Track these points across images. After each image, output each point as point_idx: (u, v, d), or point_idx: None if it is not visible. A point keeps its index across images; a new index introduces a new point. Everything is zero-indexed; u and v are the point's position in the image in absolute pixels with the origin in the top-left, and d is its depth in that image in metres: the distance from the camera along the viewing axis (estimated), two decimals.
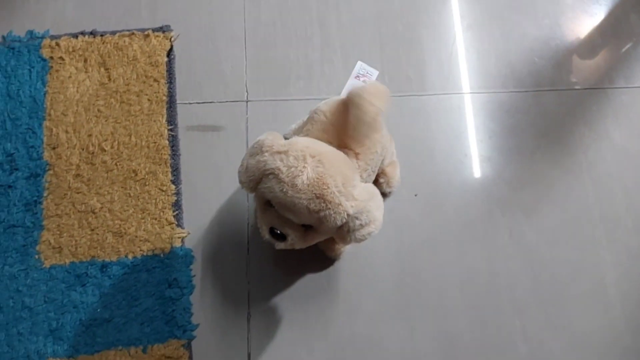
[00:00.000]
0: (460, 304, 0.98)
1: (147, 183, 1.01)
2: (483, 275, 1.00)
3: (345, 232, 0.74)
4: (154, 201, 1.01)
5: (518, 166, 1.08)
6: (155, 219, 1.00)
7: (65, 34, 1.10)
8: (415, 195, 1.05)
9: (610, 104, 1.13)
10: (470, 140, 1.10)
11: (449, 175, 1.07)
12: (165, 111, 1.06)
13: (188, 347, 0.93)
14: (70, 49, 1.08)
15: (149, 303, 0.95)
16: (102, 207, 1.00)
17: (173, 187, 1.02)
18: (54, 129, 1.03)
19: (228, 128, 1.08)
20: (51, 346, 0.92)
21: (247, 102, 1.11)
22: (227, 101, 1.10)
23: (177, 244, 0.99)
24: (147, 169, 1.02)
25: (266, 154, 0.74)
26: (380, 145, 0.87)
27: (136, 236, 0.98)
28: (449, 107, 1.12)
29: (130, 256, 0.98)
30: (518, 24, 1.19)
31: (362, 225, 0.74)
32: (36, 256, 0.96)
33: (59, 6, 1.14)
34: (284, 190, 0.70)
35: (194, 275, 0.98)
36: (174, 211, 1.01)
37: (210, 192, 1.04)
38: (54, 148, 1.02)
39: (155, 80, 1.08)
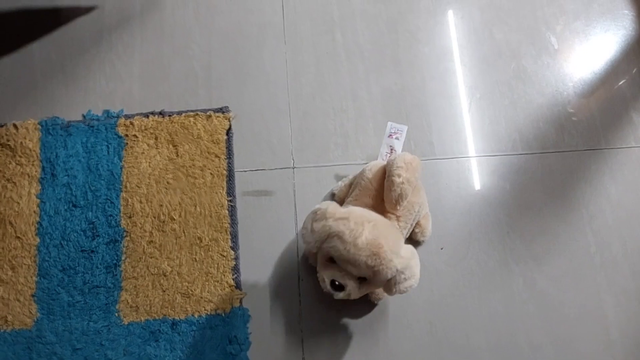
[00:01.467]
0: (483, 345, 1.14)
1: (210, 249, 1.16)
2: (502, 318, 1.15)
3: (392, 284, 0.92)
4: (216, 265, 1.15)
5: (528, 220, 1.23)
6: (217, 281, 1.15)
7: (137, 114, 1.26)
8: (442, 248, 1.20)
9: (606, 163, 1.29)
10: (486, 199, 1.25)
11: (470, 229, 1.22)
12: (225, 184, 1.21)
13: None
14: (143, 128, 1.24)
15: (212, 357, 1.09)
16: (172, 270, 1.15)
17: (232, 252, 1.17)
18: (130, 200, 1.19)
19: (278, 192, 1.23)
20: None
21: (293, 168, 1.26)
22: (275, 168, 1.26)
23: (236, 304, 1.13)
24: (210, 236, 1.17)
25: (330, 220, 0.92)
26: (418, 205, 1.06)
27: (201, 297, 1.13)
28: (467, 168, 1.28)
29: (196, 315, 1.12)
30: (524, 93, 1.34)
31: (405, 279, 0.92)
32: (116, 314, 1.11)
33: (127, 87, 1.29)
34: (347, 248, 0.89)
35: (251, 333, 1.12)
36: (233, 274, 1.15)
37: (264, 252, 1.18)
38: (129, 217, 1.17)
39: (216, 156, 1.23)
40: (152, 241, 1.16)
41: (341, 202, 1.13)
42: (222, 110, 1.27)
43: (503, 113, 1.32)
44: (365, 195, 1.04)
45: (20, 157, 1.20)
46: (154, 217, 1.18)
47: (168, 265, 1.15)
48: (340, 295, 0.95)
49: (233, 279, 1.15)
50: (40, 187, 1.19)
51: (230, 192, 1.21)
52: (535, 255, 1.20)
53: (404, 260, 0.92)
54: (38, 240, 1.15)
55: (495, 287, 1.17)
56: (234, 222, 1.19)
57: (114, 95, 1.29)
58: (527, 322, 1.15)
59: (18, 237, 1.15)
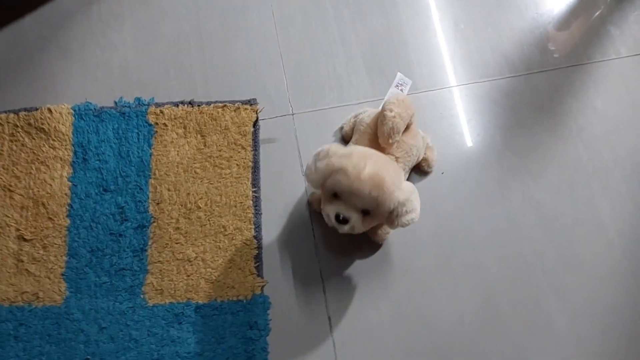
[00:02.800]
0: (490, 256, 1.21)
1: (234, 237, 1.20)
2: (505, 231, 1.23)
3: (394, 216, 0.97)
4: (239, 253, 1.19)
5: (521, 139, 1.31)
6: (240, 269, 1.18)
7: (167, 102, 1.29)
8: (442, 173, 1.27)
9: (590, 77, 1.37)
10: (481, 122, 1.32)
11: (469, 153, 1.30)
12: (250, 175, 1.25)
13: None
14: (172, 117, 1.28)
15: (233, 342, 1.13)
16: (196, 257, 1.18)
17: (255, 241, 1.20)
18: (158, 187, 1.22)
19: (281, 139, 1.30)
20: None
21: (292, 115, 1.31)
22: (276, 116, 1.31)
23: (258, 291, 1.17)
24: (234, 225, 1.21)
25: (333, 157, 0.97)
26: (416, 148, 1.12)
27: (224, 283, 1.17)
28: (460, 96, 1.35)
29: (219, 300, 1.16)
30: (506, 19, 1.43)
31: (407, 212, 0.97)
32: (142, 296, 1.15)
33: (122, 54, 1.34)
34: (351, 181, 0.93)
35: (271, 319, 1.16)
36: (255, 263, 1.19)
37: (275, 197, 1.25)
38: (158, 203, 1.21)
39: (243, 147, 1.26)
40: (178, 228, 1.20)
41: (348, 137, 1.23)
42: (250, 102, 1.30)
43: (488, 41, 1.40)
44: (365, 139, 1.10)
45: (53, 140, 1.24)
46: (181, 205, 1.22)
47: (193, 251, 1.19)
48: (345, 228, 0.99)
49: (255, 267, 1.18)
50: (72, 171, 1.23)
51: (255, 183, 1.24)
52: (531, 169, 1.28)
53: (405, 192, 0.97)
54: (69, 221, 1.19)
55: (496, 203, 1.25)
56: (257, 212, 1.22)
57: (110, 63, 1.34)
58: (529, 232, 1.23)
59: (50, 218, 1.19)
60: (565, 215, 1.24)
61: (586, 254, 1.21)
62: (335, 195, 0.98)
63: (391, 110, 1.03)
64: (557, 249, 1.21)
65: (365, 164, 0.94)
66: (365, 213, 0.98)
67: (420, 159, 1.21)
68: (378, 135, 1.06)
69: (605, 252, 1.21)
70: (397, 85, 1.29)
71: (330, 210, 0.99)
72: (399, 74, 1.26)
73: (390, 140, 1.04)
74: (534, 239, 1.22)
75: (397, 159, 1.08)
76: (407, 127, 1.10)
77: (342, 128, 1.27)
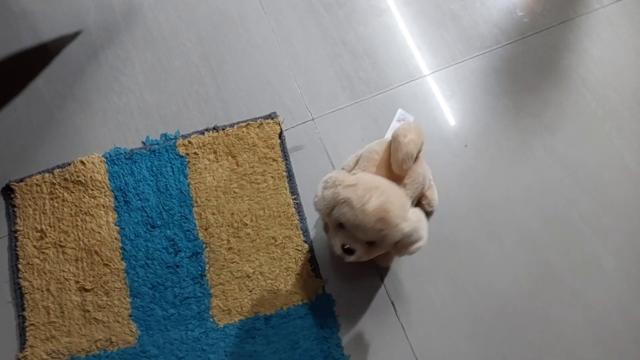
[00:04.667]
0: (528, 214, 1.27)
1: (285, 246, 1.24)
2: (537, 187, 1.29)
3: (400, 246, 0.98)
4: (293, 260, 1.23)
5: (531, 99, 1.38)
6: (298, 274, 1.23)
7: (193, 132, 1.33)
8: (465, 146, 1.33)
9: (581, 30, 1.45)
10: (490, 91, 1.38)
11: (485, 122, 1.36)
12: (287, 184, 1.29)
13: None
14: (201, 144, 1.32)
15: (307, 344, 1.17)
16: (254, 272, 1.22)
17: (306, 245, 1.25)
18: (202, 213, 1.26)
19: (308, 144, 1.34)
20: None
21: (313, 120, 1.36)
22: (297, 125, 1.36)
23: (320, 291, 1.21)
24: (283, 235, 1.25)
25: (339, 187, 0.96)
26: (422, 176, 1.11)
27: (286, 290, 1.21)
28: (466, 71, 1.41)
29: (285, 308, 1.20)
30: None
31: (413, 242, 0.97)
32: (211, 319, 1.19)
33: (138, 95, 1.38)
34: (356, 214, 0.93)
35: (338, 315, 1.20)
36: (311, 265, 1.23)
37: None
38: (206, 229, 1.25)
39: (274, 160, 1.31)
40: (230, 248, 1.24)
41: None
42: (271, 116, 1.35)
43: (479, 14, 1.47)
44: (372, 165, 1.09)
45: (92, 190, 1.27)
46: (228, 226, 1.25)
47: (249, 267, 1.22)
48: (351, 258, 0.99)
49: (312, 269, 1.23)
50: (116, 215, 1.26)
51: (293, 190, 1.29)
52: (547, 125, 1.35)
53: (411, 223, 0.96)
54: (124, 264, 1.22)
55: (521, 163, 1.31)
56: (302, 217, 1.27)
57: (129, 107, 1.37)
58: (558, 184, 1.30)
59: (106, 264, 1.22)
60: (588, 161, 1.31)
61: (616, 193, 1.28)
62: (341, 225, 0.97)
63: (405, 136, 1.02)
64: (589, 193, 1.28)
65: (371, 196, 0.93)
66: (370, 244, 0.98)
67: (425, 189, 1.20)
68: (392, 162, 1.04)
69: (633, 187, 1.28)
70: (399, 120, 1.29)
71: (336, 241, 0.99)
72: (400, 109, 1.27)
73: (405, 166, 1.02)
74: (565, 189, 1.28)
75: (404, 185, 1.06)
76: (416, 157, 1.09)
77: (343, 169, 1.24)
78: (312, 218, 1.28)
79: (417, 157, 1.10)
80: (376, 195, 0.93)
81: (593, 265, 1.22)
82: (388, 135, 1.27)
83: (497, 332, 1.17)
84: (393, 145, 1.04)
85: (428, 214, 1.26)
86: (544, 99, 1.37)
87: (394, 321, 1.19)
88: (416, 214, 0.99)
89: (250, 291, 1.21)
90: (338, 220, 0.96)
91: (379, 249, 0.99)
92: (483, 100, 1.37)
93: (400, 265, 1.23)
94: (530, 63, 1.40)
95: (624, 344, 1.16)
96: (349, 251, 0.98)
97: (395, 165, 1.04)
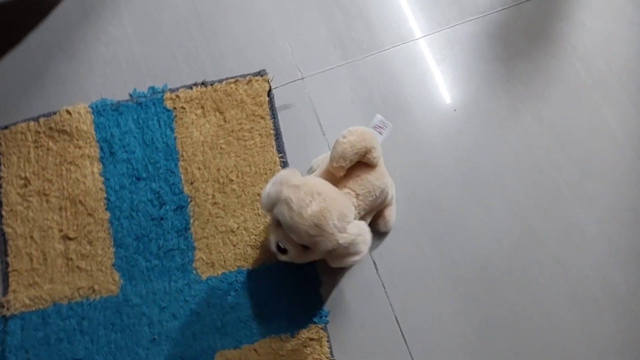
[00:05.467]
0: (514, 179, 1.28)
1: None
2: (524, 153, 1.30)
3: (334, 256, 0.97)
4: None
5: (522, 65, 1.37)
6: None
7: (181, 86, 1.32)
8: (455, 110, 1.33)
9: None
10: (482, 56, 1.38)
11: (475, 86, 1.35)
12: (274, 143, 1.29)
13: (326, 329, 1.17)
14: (188, 99, 1.30)
15: (288, 299, 1.18)
16: (238, 227, 1.22)
17: None
18: (188, 168, 1.26)
19: (296, 104, 1.33)
20: (219, 341, 1.14)
21: (302, 79, 1.35)
22: (287, 83, 1.35)
23: None
24: None
25: (284, 186, 0.95)
26: (380, 189, 1.07)
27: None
28: (459, 35, 1.40)
29: (267, 263, 1.20)
30: None
31: (348, 254, 0.96)
32: (194, 272, 1.19)
33: (127, 47, 1.36)
34: (292, 216, 0.91)
35: (320, 272, 1.21)
36: None
37: (302, 160, 1.28)
38: (191, 183, 1.25)
39: (261, 117, 1.30)
40: (215, 203, 1.24)
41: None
42: (260, 73, 1.33)
43: None
44: (324, 169, 1.06)
45: (77, 140, 1.26)
46: (214, 181, 1.25)
47: (234, 222, 1.23)
48: (283, 257, 0.99)
49: None
50: (101, 166, 1.25)
51: (280, 149, 1.28)
52: (537, 92, 1.35)
53: (348, 236, 0.94)
54: (109, 214, 1.22)
55: (510, 129, 1.32)
56: None
57: (117, 58, 1.35)
58: (545, 149, 1.30)
59: (90, 214, 1.22)
60: (576, 128, 1.31)
61: (601, 161, 1.29)
62: (279, 223, 0.96)
63: (344, 137, 1.01)
64: (574, 161, 1.28)
65: (311, 201, 0.91)
66: (305, 247, 0.96)
67: (384, 204, 1.17)
68: (329, 160, 1.03)
69: (618, 155, 1.29)
70: (375, 127, 1.21)
71: (272, 238, 0.99)
72: (378, 115, 1.22)
73: (335, 165, 1.01)
74: (552, 155, 1.29)
75: (357, 195, 1.04)
76: (370, 166, 1.06)
77: (310, 168, 1.26)
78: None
79: (370, 167, 1.06)
80: (317, 201, 0.92)
81: (575, 231, 1.23)
82: None
83: (477, 294, 1.19)
84: (333, 145, 1.03)
85: (382, 234, 1.23)
86: (535, 66, 1.36)
87: (375, 280, 1.20)
88: (357, 227, 0.97)
89: (234, 246, 1.21)
90: (277, 218, 0.95)
91: (313, 254, 0.98)
92: (474, 65, 1.37)
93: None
94: (523, 30, 1.39)
95: (600, 307, 1.18)
96: (283, 250, 0.98)
97: (329, 163, 1.03)
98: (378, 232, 1.20)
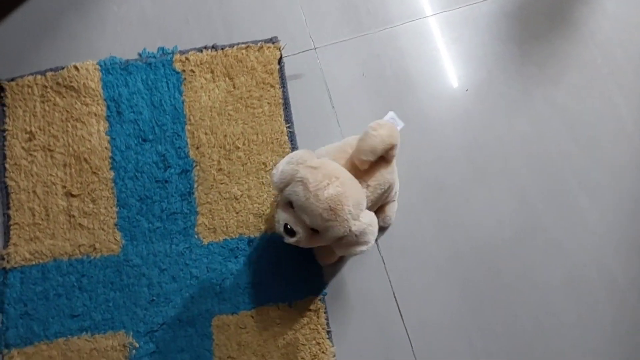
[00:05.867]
0: (521, 162, 1.28)
1: None
2: (533, 137, 1.30)
3: (343, 244, 0.94)
4: None
5: (538, 48, 1.37)
6: None
7: (191, 49, 1.30)
8: (467, 90, 1.32)
9: None
10: (498, 36, 1.37)
11: (488, 68, 1.35)
12: (282, 112, 1.28)
13: (324, 301, 1.18)
14: (199, 62, 1.29)
15: (287, 269, 1.19)
16: (242, 194, 1.22)
17: None
18: (195, 132, 1.25)
19: (307, 74, 1.32)
20: (217, 305, 1.15)
21: (315, 49, 1.34)
22: (298, 52, 1.33)
23: None
24: (274, 161, 1.24)
25: (301, 165, 0.92)
26: (389, 184, 1.06)
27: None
28: (477, 14, 1.39)
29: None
30: None
31: (357, 243, 0.94)
32: (196, 236, 1.19)
33: (139, 7, 1.34)
34: (307, 196, 0.88)
35: None
36: None
37: (309, 129, 1.28)
38: (197, 148, 1.24)
39: (271, 86, 1.29)
40: (220, 169, 1.23)
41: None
42: (272, 40, 1.32)
43: None
44: (342, 158, 1.03)
45: (84, 97, 1.25)
46: (220, 147, 1.24)
47: (238, 189, 1.22)
48: (290, 240, 0.94)
49: None
50: (108, 125, 1.24)
51: (288, 119, 1.27)
52: (550, 76, 1.34)
53: (361, 224, 0.92)
54: (113, 173, 1.22)
55: (520, 112, 1.31)
56: (294, 147, 1.26)
57: (128, 17, 1.33)
58: (554, 135, 1.30)
59: (94, 172, 1.21)
60: (587, 115, 1.30)
61: (609, 150, 1.28)
62: (290, 204, 0.92)
63: (375, 130, 0.98)
64: (582, 147, 1.28)
65: (329, 184, 0.89)
66: (314, 231, 0.92)
67: (387, 199, 1.16)
68: (354, 151, 1.00)
69: (626, 145, 1.29)
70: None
71: (281, 218, 0.94)
72: (391, 112, 1.19)
73: (363, 158, 0.98)
74: (560, 141, 1.29)
75: (368, 186, 1.01)
76: (387, 160, 1.05)
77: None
78: (304, 148, 1.26)
79: (388, 162, 1.05)
80: (335, 184, 0.89)
81: (577, 218, 1.23)
82: None
83: (475, 274, 1.19)
84: (361, 136, 1.00)
85: (381, 229, 1.20)
86: (551, 49, 1.35)
87: (376, 255, 1.21)
88: (369, 216, 0.95)
89: (237, 213, 1.21)
90: (289, 198, 0.92)
91: (322, 239, 0.94)
92: (490, 45, 1.35)
93: None
94: (542, 11, 1.38)
95: (595, 295, 1.19)
96: (291, 232, 0.93)
97: (355, 155, 1.00)
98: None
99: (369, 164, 1.00)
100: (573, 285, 1.19)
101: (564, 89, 1.32)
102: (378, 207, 1.16)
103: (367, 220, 0.94)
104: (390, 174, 1.06)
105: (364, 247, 0.95)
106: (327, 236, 0.92)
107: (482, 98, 1.31)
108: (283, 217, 0.93)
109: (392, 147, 1.02)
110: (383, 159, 1.04)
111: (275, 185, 0.94)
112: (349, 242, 0.94)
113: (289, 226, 0.92)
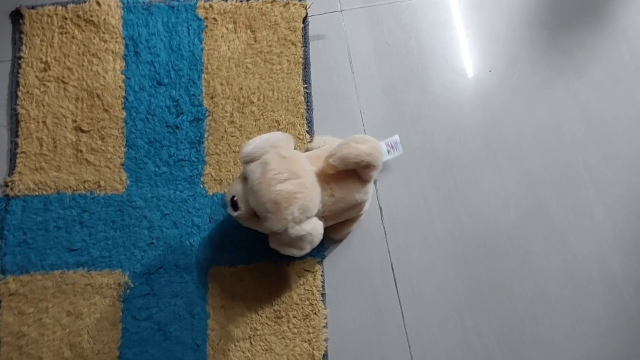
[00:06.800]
0: (534, 149, 1.26)
1: (287, 132, 1.23)
2: (549, 125, 1.28)
3: (276, 238, 0.95)
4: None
5: (566, 37, 1.34)
6: None
7: None
8: (490, 71, 1.31)
9: None
10: (527, 20, 1.35)
11: (515, 51, 1.33)
12: (301, 71, 1.26)
13: (321, 263, 1.18)
14: (222, 11, 1.26)
15: None
16: None
17: (308, 137, 1.23)
18: (211, 81, 1.23)
19: (330, 35, 1.30)
20: (215, 256, 1.15)
21: (341, 11, 1.32)
22: (324, 13, 1.31)
23: None
24: (287, 120, 1.23)
25: (272, 149, 0.92)
26: (356, 202, 1.02)
27: None
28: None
29: None
30: None
31: (291, 245, 0.94)
32: (201, 185, 1.19)
33: None
34: (260, 181, 0.88)
35: None
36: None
37: (325, 91, 1.27)
38: (211, 97, 1.23)
39: (293, 43, 1.27)
40: (232, 121, 1.22)
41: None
42: None
43: None
44: (318, 158, 1.01)
45: (103, 33, 1.23)
46: (234, 100, 1.23)
47: None
48: (232, 213, 0.95)
49: None
50: (124, 64, 1.23)
51: (306, 79, 1.26)
52: (575, 67, 1.32)
53: (300, 229, 0.91)
54: (125, 113, 1.21)
55: (541, 99, 1.29)
56: (309, 108, 1.24)
57: None
58: (571, 127, 1.28)
59: (106, 110, 1.20)
60: (607, 111, 1.28)
61: (624, 148, 1.27)
62: (245, 179, 0.92)
63: (357, 141, 0.95)
64: (598, 143, 1.27)
65: (286, 179, 0.88)
66: (255, 215, 0.93)
67: (351, 216, 1.11)
68: (327, 154, 0.96)
69: None
70: (387, 145, 1.13)
71: (233, 189, 0.94)
72: (396, 136, 1.14)
73: (330, 161, 0.95)
74: (576, 134, 1.27)
75: (331, 195, 0.98)
76: (362, 180, 1.01)
77: (310, 141, 1.22)
78: (319, 111, 1.25)
79: (362, 180, 1.01)
80: (292, 181, 0.89)
81: (584, 212, 1.23)
82: None
83: (475, 255, 1.19)
84: (343, 140, 0.97)
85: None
86: (579, 40, 1.32)
87: (378, 224, 1.20)
88: (312, 226, 0.93)
89: None
90: (246, 174, 0.92)
91: (259, 226, 0.95)
92: (518, 28, 1.33)
93: (395, 174, 1.23)
94: (575, 1, 1.35)
95: (593, 289, 1.19)
96: (235, 205, 0.93)
97: (326, 155, 0.97)
98: (329, 236, 1.16)
99: (334, 170, 0.97)
100: (571, 276, 1.19)
101: (587, 81, 1.30)
102: (340, 220, 1.11)
103: (309, 229, 0.92)
104: (362, 195, 1.02)
105: (295, 252, 0.95)
106: (264, 225, 0.92)
107: (505, 80, 1.29)
108: (235, 189, 0.94)
109: (367, 166, 0.97)
110: (358, 175, 1.00)
111: (243, 156, 0.93)
112: (284, 241, 0.94)
113: (235, 198, 0.93)
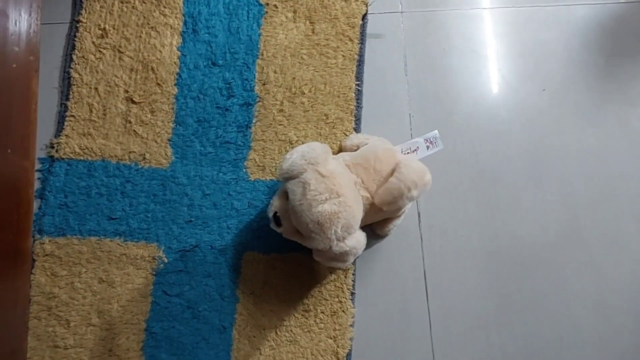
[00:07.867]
0: (579, 174, 1.25)
1: (335, 126, 1.23)
2: (596, 152, 1.27)
3: (321, 254, 0.95)
4: (338, 142, 1.22)
5: (624, 66, 1.32)
6: None
7: None
8: (543, 90, 1.30)
9: None
10: (587, 45, 1.33)
11: (571, 73, 1.32)
12: (355, 68, 1.26)
13: (354, 262, 1.17)
14: None
15: None
16: (297, 140, 1.21)
17: (354, 134, 1.23)
18: (265, 68, 1.23)
19: (387, 35, 1.30)
20: (251, 242, 1.16)
21: (401, 12, 1.31)
22: (385, 12, 1.31)
23: None
24: (336, 115, 1.23)
25: (310, 167, 0.90)
26: (398, 217, 1.08)
27: None
28: (572, 17, 1.35)
29: None
30: None
31: (335, 260, 0.94)
32: (244, 170, 1.19)
33: None
34: (302, 202, 0.88)
35: None
36: None
37: (375, 91, 1.26)
38: (264, 84, 1.23)
39: (350, 39, 1.26)
40: (282, 110, 1.22)
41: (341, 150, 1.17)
42: None
43: None
44: (362, 167, 1.01)
45: (164, 7, 1.23)
46: (286, 89, 1.23)
47: (294, 134, 1.21)
48: (275, 228, 0.97)
49: None
50: (181, 40, 1.23)
51: (359, 76, 1.25)
52: (631, 98, 1.31)
53: (343, 246, 0.91)
54: (177, 90, 1.21)
55: (591, 124, 1.28)
56: (359, 105, 1.24)
57: None
58: (618, 157, 1.27)
59: (158, 84, 1.21)
60: None
61: None
62: (287, 196, 0.92)
63: (409, 190, 0.96)
64: None
65: (328, 199, 0.87)
66: (298, 231, 0.94)
67: (395, 215, 1.12)
68: (379, 192, 0.98)
69: None
70: (426, 140, 1.16)
71: (274, 205, 0.95)
72: (435, 131, 1.16)
73: (385, 208, 0.98)
74: (622, 163, 1.26)
75: (372, 203, 0.99)
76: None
77: (340, 144, 1.21)
78: (368, 110, 1.25)
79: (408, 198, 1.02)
80: (333, 201, 0.88)
81: (622, 242, 1.22)
82: (408, 143, 1.21)
83: (509, 272, 1.19)
84: (395, 185, 0.97)
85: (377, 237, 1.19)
86: (637, 70, 1.31)
87: (415, 230, 1.20)
88: (355, 240, 0.93)
89: None
90: (286, 191, 0.92)
91: (302, 240, 0.96)
92: (576, 51, 1.31)
93: (437, 182, 1.22)
94: (636, 29, 1.33)
95: (622, 321, 1.18)
96: (278, 221, 0.94)
97: (377, 199, 0.98)
98: (374, 231, 1.17)
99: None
100: (602, 306, 1.18)
101: None
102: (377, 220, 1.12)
103: (352, 244, 0.92)
104: (404, 206, 1.05)
105: (340, 265, 0.97)
106: (307, 242, 0.93)
107: (557, 101, 1.28)
108: (276, 205, 0.95)
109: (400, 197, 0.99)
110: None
111: (280, 173, 0.93)
112: (327, 255, 0.94)
113: (277, 214, 0.94)
